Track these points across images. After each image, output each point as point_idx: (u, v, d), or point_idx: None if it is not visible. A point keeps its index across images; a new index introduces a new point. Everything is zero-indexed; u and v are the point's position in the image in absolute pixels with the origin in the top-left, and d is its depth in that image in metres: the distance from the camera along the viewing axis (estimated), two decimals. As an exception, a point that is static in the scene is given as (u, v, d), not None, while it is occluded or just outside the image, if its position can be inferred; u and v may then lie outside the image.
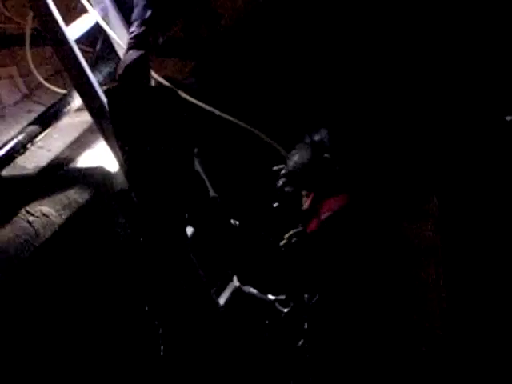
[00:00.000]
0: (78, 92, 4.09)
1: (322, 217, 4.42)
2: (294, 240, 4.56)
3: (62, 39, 3.91)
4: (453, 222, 5.07)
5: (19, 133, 4.38)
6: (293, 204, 4.71)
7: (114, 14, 4.31)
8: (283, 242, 4.55)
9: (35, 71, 4.90)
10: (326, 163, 4.49)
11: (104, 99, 4.01)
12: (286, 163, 4.59)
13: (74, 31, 4.01)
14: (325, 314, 4.43)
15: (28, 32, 4.69)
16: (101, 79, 4.48)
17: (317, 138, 4.59)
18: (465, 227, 5.26)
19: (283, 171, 4.57)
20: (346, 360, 4.42)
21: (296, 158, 4.52)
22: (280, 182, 4.58)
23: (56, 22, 3.88)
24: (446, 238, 4.84)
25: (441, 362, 4.64)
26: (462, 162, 5.97)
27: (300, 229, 4.61)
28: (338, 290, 4.39)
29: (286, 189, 4.58)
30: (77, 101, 4.49)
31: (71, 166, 4.67)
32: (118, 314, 4.38)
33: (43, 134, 4.45)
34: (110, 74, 4.66)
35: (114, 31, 4.27)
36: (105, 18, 4.25)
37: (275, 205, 4.70)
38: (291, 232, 4.61)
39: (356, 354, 4.41)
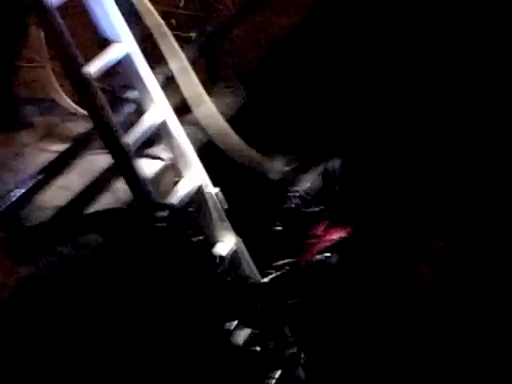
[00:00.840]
0: (99, 133, 4.08)
1: (320, 246, 4.41)
2: (284, 270, 4.54)
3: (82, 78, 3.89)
4: (456, 268, 5.07)
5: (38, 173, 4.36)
6: (296, 228, 4.71)
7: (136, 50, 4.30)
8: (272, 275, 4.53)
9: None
10: (334, 195, 4.49)
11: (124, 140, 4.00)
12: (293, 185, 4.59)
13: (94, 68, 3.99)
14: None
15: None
16: (121, 120, 4.45)
17: (330, 167, 4.58)
18: (467, 274, 5.26)
19: (296, 193, 4.54)
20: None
21: (309, 183, 4.50)
22: (292, 204, 4.57)
23: (77, 61, 3.87)
24: (446, 283, 4.82)
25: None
26: (468, 206, 5.97)
27: (293, 260, 4.59)
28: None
29: (302, 209, 4.57)
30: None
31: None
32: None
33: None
34: (129, 114, 4.65)
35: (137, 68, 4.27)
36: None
37: (278, 227, 4.70)
38: (284, 261, 4.58)
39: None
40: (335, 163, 4.79)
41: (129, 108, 4.74)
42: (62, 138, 4.94)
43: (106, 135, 4.05)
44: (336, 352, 4.88)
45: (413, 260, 4.84)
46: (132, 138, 4.15)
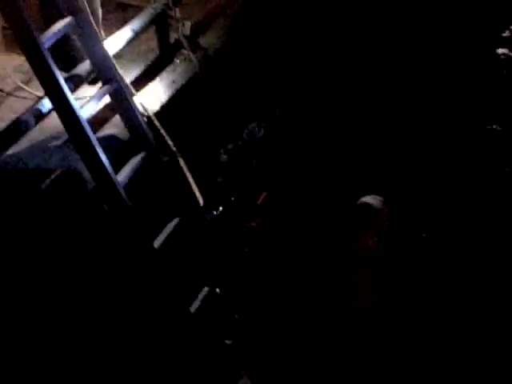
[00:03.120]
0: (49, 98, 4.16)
1: None
2: None
3: (34, 47, 3.96)
4: (399, 231, 5.22)
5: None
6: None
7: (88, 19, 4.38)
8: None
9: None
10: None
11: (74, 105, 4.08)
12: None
13: (46, 38, 4.07)
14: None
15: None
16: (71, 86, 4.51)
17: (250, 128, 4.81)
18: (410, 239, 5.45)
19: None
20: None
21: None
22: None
23: (30, 31, 3.94)
24: (389, 247, 4.97)
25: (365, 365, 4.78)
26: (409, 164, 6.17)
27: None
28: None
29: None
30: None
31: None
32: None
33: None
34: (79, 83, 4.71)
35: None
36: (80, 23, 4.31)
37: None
38: None
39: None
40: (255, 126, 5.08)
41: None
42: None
43: (58, 105, 4.13)
44: (278, 318, 5.02)
45: (355, 224, 4.97)
46: (86, 107, 4.23)
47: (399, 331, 4.87)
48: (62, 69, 4.55)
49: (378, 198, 4.99)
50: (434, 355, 4.83)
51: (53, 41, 4.15)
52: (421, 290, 5.17)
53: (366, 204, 4.94)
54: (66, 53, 4.98)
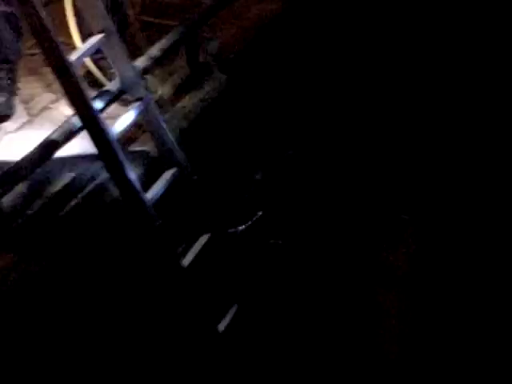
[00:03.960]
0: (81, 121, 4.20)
1: None
2: None
3: (63, 66, 4.00)
4: (426, 251, 5.18)
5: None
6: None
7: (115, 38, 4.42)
8: None
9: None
10: None
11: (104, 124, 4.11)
12: None
13: (76, 57, 4.11)
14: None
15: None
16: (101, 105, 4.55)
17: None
18: (438, 258, 5.41)
19: None
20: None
21: None
22: None
23: (58, 50, 3.99)
24: (415, 267, 4.94)
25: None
26: (440, 186, 6.11)
27: None
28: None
29: None
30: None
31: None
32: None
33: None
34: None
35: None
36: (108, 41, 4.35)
37: None
38: None
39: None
40: None
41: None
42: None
43: (88, 123, 4.17)
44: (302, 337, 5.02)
45: (381, 244, 4.96)
46: (115, 125, 4.27)
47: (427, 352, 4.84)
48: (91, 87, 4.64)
49: (405, 216, 4.96)
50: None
51: (82, 60, 4.20)
52: (450, 309, 5.14)
53: (393, 224, 4.91)
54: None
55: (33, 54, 5.41)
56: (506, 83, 6.81)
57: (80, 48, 4.27)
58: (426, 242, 5.13)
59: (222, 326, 4.61)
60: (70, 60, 4.05)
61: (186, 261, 4.48)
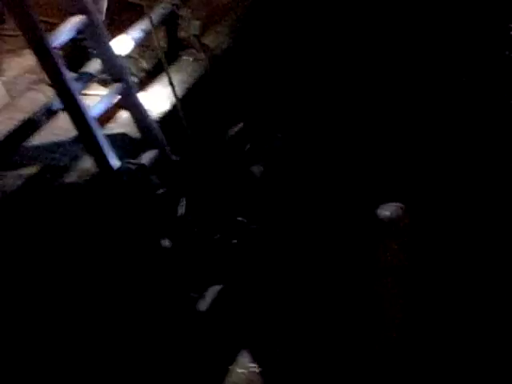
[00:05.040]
0: (61, 101, 4.25)
1: None
2: None
3: (43, 47, 4.05)
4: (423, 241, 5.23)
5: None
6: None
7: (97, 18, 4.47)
8: None
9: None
10: None
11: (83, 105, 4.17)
12: None
13: (56, 39, 4.17)
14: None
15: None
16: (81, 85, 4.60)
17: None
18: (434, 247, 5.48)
19: None
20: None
21: None
22: None
23: (38, 31, 4.03)
24: (411, 256, 4.98)
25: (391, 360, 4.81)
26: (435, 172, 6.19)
27: None
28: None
29: None
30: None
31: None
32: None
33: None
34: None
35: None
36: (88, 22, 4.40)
37: None
38: None
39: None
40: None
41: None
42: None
43: (68, 104, 4.22)
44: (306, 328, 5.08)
45: (375, 235, 4.98)
46: (95, 106, 4.33)
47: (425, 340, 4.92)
48: (71, 68, 4.68)
49: (399, 205, 4.94)
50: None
51: (62, 40, 4.25)
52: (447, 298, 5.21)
53: (386, 214, 4.90)
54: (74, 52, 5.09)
55: (13, 36, 5.43)
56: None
57: (60, 29, 4.32)
58: (422, 231, 5.16)
59: (203, 306, 4.69)
60: (50, 41, 4.11)
61: (167, 242, 4.57)
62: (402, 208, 4.88)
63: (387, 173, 6.16)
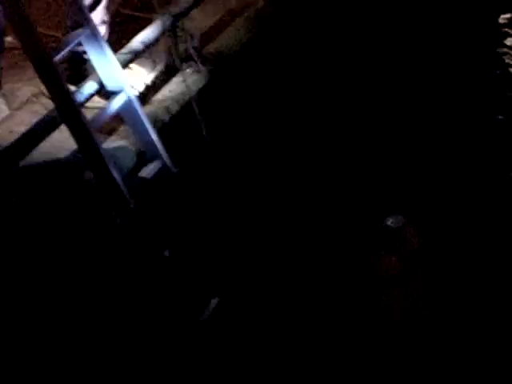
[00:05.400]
0: (60, 114, 4.26)
1: None
2: None
3: (44, 61, 4.07)
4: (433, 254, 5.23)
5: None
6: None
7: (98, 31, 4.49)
8: None
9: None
10: None
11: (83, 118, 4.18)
12: None
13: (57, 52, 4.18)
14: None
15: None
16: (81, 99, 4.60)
17: None
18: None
19: None
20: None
21: None
22: None
23: (39, 44, 4.05)
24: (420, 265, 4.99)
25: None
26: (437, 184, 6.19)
27: None
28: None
29: None
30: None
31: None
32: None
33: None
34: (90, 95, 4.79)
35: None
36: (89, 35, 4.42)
37: None
38: None
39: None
40: None
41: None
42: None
43: (68, 117, 4.23)
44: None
45: (378, 248, 4.99)
46: (95, 119, 4.33)
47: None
48: (71, 81, 4.70)
49: (401, 218, 4.96)
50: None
51: (62, 54, 4.26)
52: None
53: (388, 227, 4.91)
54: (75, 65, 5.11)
55: (13, 48, 5.44)
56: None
57: (62, 43, 4.34)
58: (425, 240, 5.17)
59: (205, 316, 4.69)
60: (50, 55, 4.12)
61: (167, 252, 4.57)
62: (403, 220, 4.91)
63: (390, 184, 6.19)
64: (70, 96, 4.20)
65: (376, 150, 6.41)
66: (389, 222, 4.87)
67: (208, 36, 6.09)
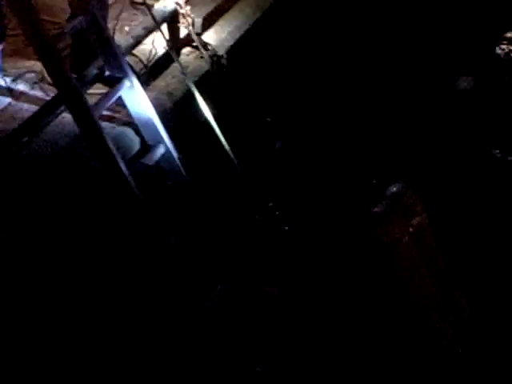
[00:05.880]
0: (63, 99, 4.30)
1: None
2: None
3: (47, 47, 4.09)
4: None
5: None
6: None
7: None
8: None
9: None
10: None
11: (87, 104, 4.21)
12: None
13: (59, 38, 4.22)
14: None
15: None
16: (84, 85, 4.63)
17: None
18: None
19: None
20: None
21: None
22: None
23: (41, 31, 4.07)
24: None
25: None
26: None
27: None
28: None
29: None
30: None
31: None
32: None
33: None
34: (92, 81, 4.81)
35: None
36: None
37: None
38: None
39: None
40: None
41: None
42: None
43: (71, 104, 4.26)
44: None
45: (383, 215, 5.00)
46: (98, 104, 4.36)
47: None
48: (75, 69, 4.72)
49: (403, 184, 4.98)
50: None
51: (65, 40, 4.29)
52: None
53: (391, 194, 4.93)
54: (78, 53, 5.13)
55: (15, 35, 5.46)
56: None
57: (65, 28, 4.37)
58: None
59: (210, 302, 4.72)
60: (52, 40, 4.15)
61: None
62: (405, 186, 4.94)
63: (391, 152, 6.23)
64: (71, 81, 4.22)
65: (377, 120, 6.47)
66: (392, 189, 4.91)
67: (209, 21, 6.11)
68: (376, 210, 4.99)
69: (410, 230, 4.89)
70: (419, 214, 4.97)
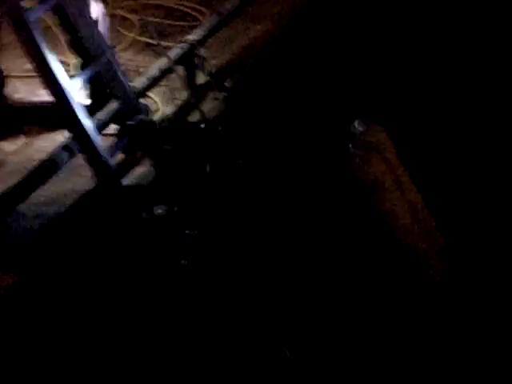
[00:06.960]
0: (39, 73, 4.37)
1: None
2: None
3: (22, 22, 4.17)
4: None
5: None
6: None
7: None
8: None
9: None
10: None
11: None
12: None
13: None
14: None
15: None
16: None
17: None
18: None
19: None
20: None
21: None
22: None
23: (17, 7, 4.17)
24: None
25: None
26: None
27: None
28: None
29: None
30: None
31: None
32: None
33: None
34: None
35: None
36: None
37: None
38: None
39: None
40: None
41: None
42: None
43: (45, 74, 4.31)
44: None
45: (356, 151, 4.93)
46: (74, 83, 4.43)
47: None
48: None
49: (368, 119, 4.94)
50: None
51: (39, 14, 4.35)
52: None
53: (357, 130, 4.88)
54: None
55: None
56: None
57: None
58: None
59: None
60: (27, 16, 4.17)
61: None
62: (374, 123, 4.91)
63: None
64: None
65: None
66: (356, 125, 4.86)
67: (226, 64, 6.15)
68: (352, 149, 4.92)
69: (388, 166, 4.84)
70: (390, 149, 4.92)
